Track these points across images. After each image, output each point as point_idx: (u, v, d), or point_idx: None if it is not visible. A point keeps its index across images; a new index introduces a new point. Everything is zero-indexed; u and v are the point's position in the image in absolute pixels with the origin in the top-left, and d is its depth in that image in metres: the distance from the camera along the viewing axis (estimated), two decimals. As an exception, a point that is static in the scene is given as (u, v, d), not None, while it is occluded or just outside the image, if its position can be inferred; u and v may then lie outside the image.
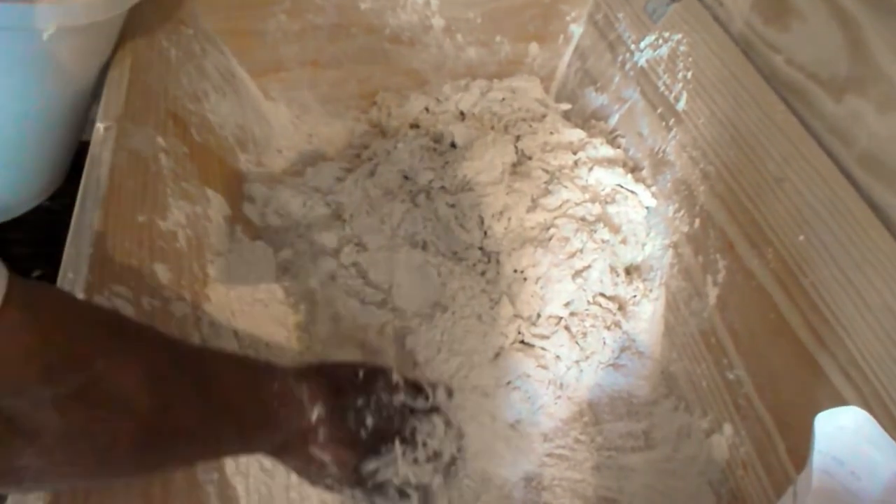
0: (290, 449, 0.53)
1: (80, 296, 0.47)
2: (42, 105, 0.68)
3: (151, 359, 0.42)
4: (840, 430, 0.39)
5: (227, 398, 0.48)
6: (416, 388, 0.59)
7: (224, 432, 0.47)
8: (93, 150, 0.60)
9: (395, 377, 0.57)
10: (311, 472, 0.55)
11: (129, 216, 0.59)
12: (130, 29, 0.72)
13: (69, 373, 0.36)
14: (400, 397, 0.57)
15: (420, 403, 0.58)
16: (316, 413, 0.52)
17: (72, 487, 0.40)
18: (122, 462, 0.40)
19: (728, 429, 0.68)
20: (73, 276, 0.49)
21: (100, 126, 0.61)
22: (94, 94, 0.71)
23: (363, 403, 0.55)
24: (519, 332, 0.74)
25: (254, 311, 0.70)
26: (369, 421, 0.55)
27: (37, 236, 0.82)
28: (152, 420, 0.40)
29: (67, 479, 0.38)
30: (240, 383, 0.49)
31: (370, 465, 0.55)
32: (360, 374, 0.57)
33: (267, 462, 0.60)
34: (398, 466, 0.56)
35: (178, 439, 0.43)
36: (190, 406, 0.44)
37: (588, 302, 0.76)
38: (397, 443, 0.56)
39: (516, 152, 0.85)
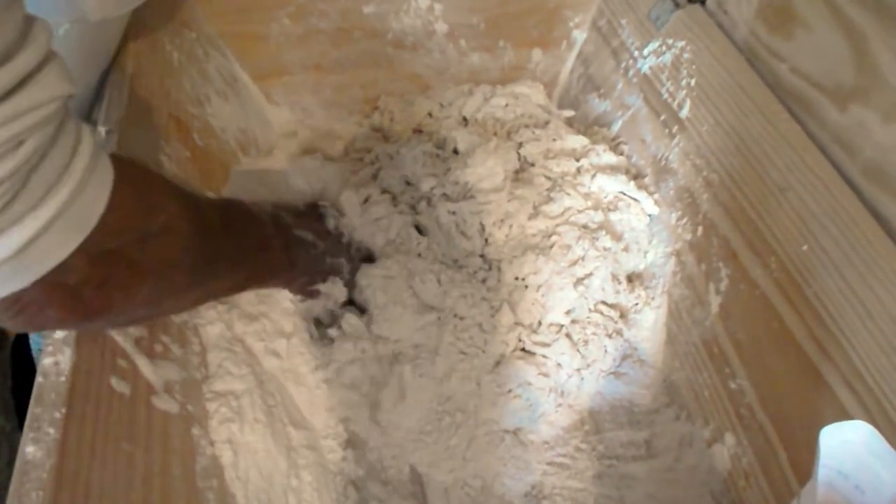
0: (293, 249, 0.69)
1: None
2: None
3: (195, 207, 0.52)
4: (845, 443, 0.39)
5: (244, 235, 0.61)
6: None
7: (247, 263, 0.61)
8: (95, 153, 0.60)
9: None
10: (305, 259, 0.70)
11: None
12: (132, 32, 0.72)
13: (156, 221, 0.46)
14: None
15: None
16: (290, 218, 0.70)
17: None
18: (182, 286, 0.51)
19: (730, 438, 0.68)
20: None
21: (101, 130, 0.61)
22: (95, 97, 0.71)
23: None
24: (520, 340, 0.74)
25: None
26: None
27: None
28: (198, 252, 0.52)
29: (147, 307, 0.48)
30: (246, 223, 0.63)
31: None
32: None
33: (265, 466, 0.60)
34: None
35: (216, 267, 0.56)
36: (222, 243, 0.56)
37: (589, 310, 0.76)
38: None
39: (519, 159, 0.85)
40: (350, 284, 0.75)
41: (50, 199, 0.37)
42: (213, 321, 0.64)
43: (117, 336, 0.50)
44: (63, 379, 0.44)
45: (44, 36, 0.36)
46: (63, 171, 0.38)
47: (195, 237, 0.51)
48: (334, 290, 0.74)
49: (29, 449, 0.41)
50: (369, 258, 0.78)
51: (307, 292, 0.73)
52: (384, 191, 0.81)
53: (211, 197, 0.63)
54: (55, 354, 0.45)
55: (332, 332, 0.72)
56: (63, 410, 0.43)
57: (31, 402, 0.43)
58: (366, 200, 0.80)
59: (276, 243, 0.67)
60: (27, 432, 0.42)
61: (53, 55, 0.37)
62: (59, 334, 0.46)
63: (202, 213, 0.53)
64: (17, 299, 0.39)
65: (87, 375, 0.46)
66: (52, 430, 0.42)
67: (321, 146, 0.96)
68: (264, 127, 0.92)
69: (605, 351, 0.76)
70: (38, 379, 0.44)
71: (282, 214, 0.69)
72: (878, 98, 0.59)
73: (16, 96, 0.34)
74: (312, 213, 0.75)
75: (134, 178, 0.44)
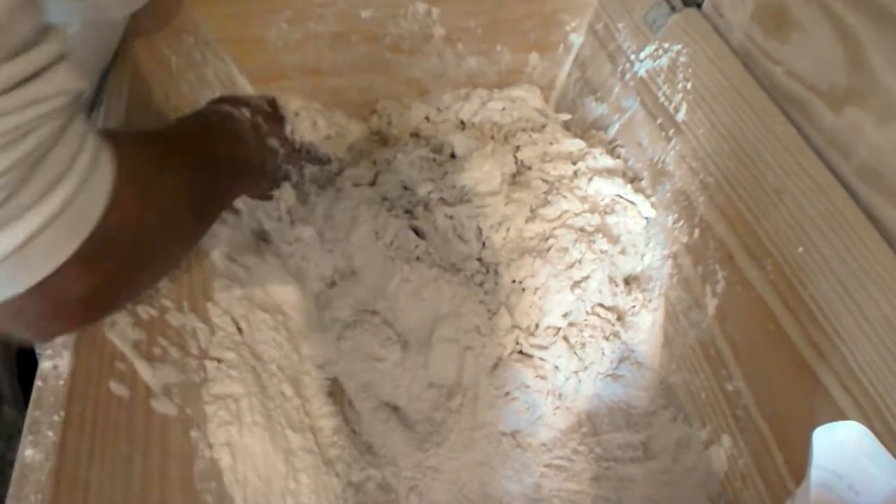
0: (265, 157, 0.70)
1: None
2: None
3: (190, 182, 0.53)
4: (838, 444, 0.39)
5: (233, 167, 0.63)
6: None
7: (233, 191, 0.66)
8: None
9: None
10: (272, 168, 0.73)
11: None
12: (131, 37, 0.72)
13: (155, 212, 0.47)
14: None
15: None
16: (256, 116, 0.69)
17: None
18: (181, 254, 0.56)
19: (727, 440, 0.68)
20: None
21: (99, 134, 0.62)
22: (94, 100, 0.71)
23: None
24: (517, 343, 0.74)
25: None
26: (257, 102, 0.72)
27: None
28: (194, 221, 0.55)
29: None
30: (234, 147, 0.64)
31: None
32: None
33: (263, 469, 0.60)
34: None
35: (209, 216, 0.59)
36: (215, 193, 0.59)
37: (587, 312, 0.76)
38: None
39: (516, 162, 0.85)
40: (298, 186, 0.79)
41: (52, 195, 0.37)
42: (214, 320, 0.64)
43: (116, 339, 0.51)
44: (62, 382, 0.45)
45: (59, 40, 0.37)
46: (67, 167, 0.38)
47: (193, 213, 0.53)
48: (284, 194, 0.77)
49: (28, 452, 0.41)
50: (318, 160, 0.82)
51: (264, 197, 0.76)
52: (383, 198, 0.81)
53: (198, 121, 0.64)
54: (54, 358, 0.46)
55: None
56: (62, 413, 0.43)
57: (30, 405, 0.43)
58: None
59: (256, 161, 0.69)
60: (26, 435, 0.42)
61: (66, 56, 0.37)
62: (58, 338, 0.47)
63: (197, 184, 0.53)
64: (16, 309, 0.39)
65: (86, 379, 0.47)
66: (50, 433, 0.42)
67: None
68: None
69: (602, 353, 0.76)
70: (37, 383, 0.45)
71: (259, 122, 0.69)
72: (872, 100, 0.60)
73: (26, 87, 0.34)
74: (276, 114, 0.75)
75: (134, 172, 0.44)
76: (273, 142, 0.71)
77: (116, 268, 0.45)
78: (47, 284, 0.39)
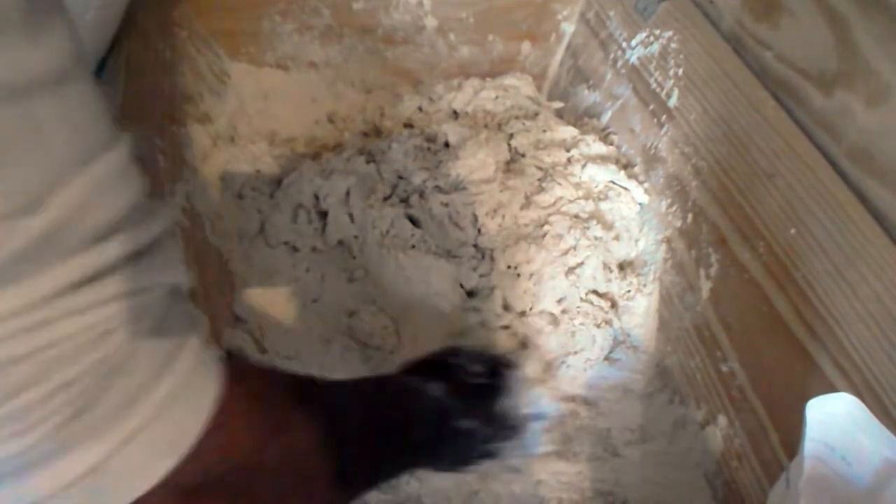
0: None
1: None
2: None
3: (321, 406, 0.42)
4: (831, 416, 0.40)
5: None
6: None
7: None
8: (91, 151, 0.60)
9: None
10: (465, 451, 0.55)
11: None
12: (125, 31, 0.72)
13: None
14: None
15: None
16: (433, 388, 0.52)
17: None
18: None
19: (722, 420, 0.69)
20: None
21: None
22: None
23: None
24: (509, 326, 0.75)
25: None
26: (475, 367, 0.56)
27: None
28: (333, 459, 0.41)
29: None
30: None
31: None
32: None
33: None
34: None
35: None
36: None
37: (580, 299, 0.77)
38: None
39: (510, 150, 0.86)
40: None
41: (136, 407, 0.29)
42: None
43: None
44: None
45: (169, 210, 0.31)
46: (156, 374, 0.30)
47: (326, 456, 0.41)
48: None
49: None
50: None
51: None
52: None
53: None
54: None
55: None
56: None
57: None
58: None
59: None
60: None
61: (172, 234, 0.32)
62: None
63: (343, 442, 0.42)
64: None
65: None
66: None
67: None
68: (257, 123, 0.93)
69: (594, 340, 0.76)
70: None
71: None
72: (861, 83, 0.61)
73: (103, 280, 0.28)
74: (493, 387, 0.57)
75: (251, 393, 0.36)
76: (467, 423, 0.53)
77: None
78: None
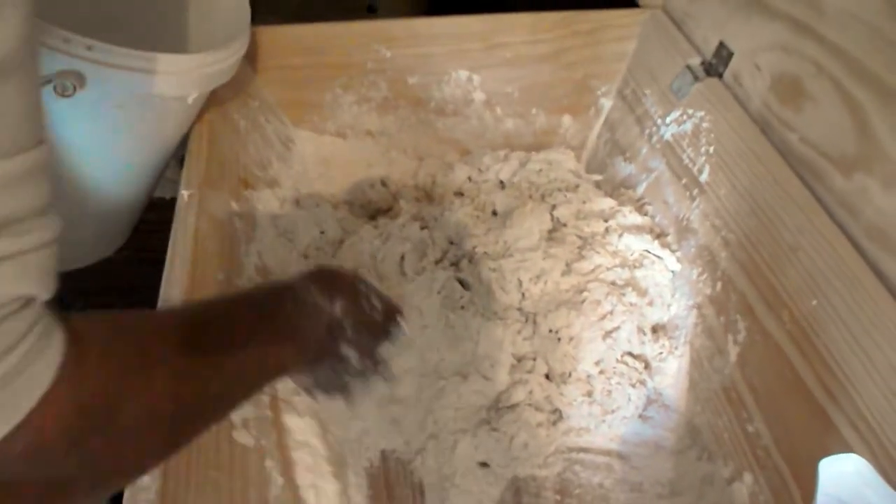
0: (322, 352, 0.57)
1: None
2: (141, 160, 0.75)
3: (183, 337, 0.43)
4: (842, 474, 0.44)
5: (254, 339, 0.49)
6: None
7: (266, 365, 0.50)
8: (179, 214, 0.67)
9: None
10: (333, 374, 0.59)
11: (210, 274, 0.66)
12: (205, 103, 0.80)
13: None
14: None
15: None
16: (338, 305, 0.56)
17: None
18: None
19: (748, 477, 0.73)
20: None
21: (184, 193, 0.69)
22: (174, 155, 0.78)
23: (366, 290, 0.60)
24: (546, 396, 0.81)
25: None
26: (377, 303, 0.60)
27: (92, 285, 0.88)
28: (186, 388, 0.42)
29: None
30: (260, 318, 0.50)
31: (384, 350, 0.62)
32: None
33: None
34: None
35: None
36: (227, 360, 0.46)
37: (616, 360, 0.82)
38: (402, 323, 0.63)
39: (552, 220, 0.91)
40: None
41: None
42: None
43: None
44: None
45: (47, 230, 0.32)
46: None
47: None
48: None
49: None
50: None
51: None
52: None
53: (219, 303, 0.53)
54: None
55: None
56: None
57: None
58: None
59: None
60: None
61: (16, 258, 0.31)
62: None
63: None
64: None
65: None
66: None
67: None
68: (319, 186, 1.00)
69: (629, 399, 0.81)
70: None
71: (340, 325, 0.57)
72: (878, 167, 0.65)
73: None
74: (380, 326, 0.62)
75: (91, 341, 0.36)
76: (348, 351, 0.58)
77: None
78: None
